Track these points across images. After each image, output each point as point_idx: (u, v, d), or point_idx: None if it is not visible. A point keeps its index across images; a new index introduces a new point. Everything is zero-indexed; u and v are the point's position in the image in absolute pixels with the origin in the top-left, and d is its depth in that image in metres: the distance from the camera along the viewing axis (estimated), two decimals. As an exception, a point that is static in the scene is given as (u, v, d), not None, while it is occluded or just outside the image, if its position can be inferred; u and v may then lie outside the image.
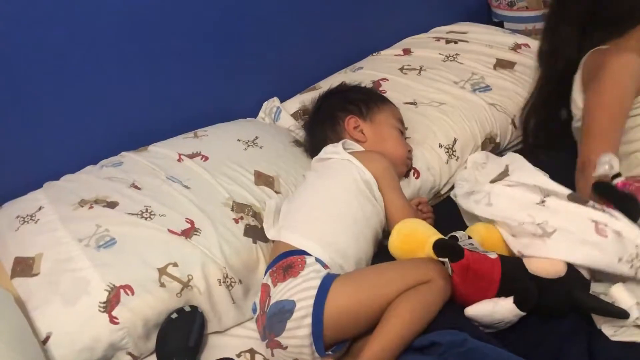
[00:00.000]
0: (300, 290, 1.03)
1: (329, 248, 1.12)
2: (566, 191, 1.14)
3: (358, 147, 1.32)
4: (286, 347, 1.03)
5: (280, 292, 1.05)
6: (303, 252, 1.11)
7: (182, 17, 1.47)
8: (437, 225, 1.22)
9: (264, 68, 1.67)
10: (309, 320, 1.01)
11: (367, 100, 1.38)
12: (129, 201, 1.24)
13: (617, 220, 1.05)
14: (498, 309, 1.00)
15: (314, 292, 1.02)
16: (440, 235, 1.08)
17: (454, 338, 0.91)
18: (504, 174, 1.24)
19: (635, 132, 1.26)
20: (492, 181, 1.23)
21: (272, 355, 1.06)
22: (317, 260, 1.09)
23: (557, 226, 1.08)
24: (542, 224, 1.09)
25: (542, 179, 1.18)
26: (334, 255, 1.12)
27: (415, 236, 1.10)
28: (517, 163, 1.27)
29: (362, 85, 1.52)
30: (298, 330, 1.01)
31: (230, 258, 1.18)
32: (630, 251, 1.03)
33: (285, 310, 1.02)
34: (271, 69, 1.69)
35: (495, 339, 0.99)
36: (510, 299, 1.00)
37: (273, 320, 1.04)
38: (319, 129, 1.40)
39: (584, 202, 1.10)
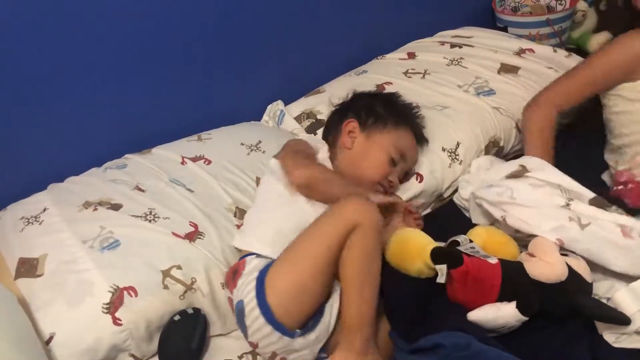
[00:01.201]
0: (244, 288, 1.07)
1: (274, 245, 1.12)
2: (589, 194, 1.15)
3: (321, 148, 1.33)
4: (257, 344, 1.07)
5: (235, 297, 1.09)
6: (250, 254, 1.13)
7: (185, 19, 1.47)
8: (439, 228, 1.23)
9: (268, 71, 1.68)
10: (257, 311, 1.04)
11: (380, 116, 1.34)
12: (133, 203, 1.25)
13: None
14: (501, 314, 1.01)
15: (253, 284, 1.06)
16: (436, 244, 1.09)
17: (457, 341, 0.92)
18: (523, 171, 1.23)
19: (622, 127, 1.33)
20: (508, 177, 1.22)
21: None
22: (262, 257, 1.11)
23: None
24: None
25: (565, 178, 1.18)
26: (277, 246, 1.11)
27: (412, 244, 1.11)
28: (536, 163, 1.26)
29: (399, 99, 1.45)
30: (255, 324, 1.05)
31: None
32: None
33: (240, 310, 1.07)
34: (275, 71, 1.69)
35: (498, 343, 0.99)
36: (513, 304, 1.00)
37: (239, 325, 1.10)
38: (330, 116, 1.44)
39: (607, 206, 1.12)
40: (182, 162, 1.38)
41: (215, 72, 1.58)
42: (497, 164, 1.37)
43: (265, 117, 1.69)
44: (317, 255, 1.04)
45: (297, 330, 1.04)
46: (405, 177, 1.38)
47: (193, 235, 1.19)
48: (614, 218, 1.12)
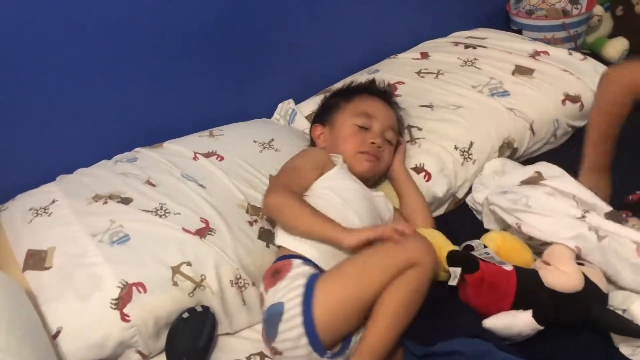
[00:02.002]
0: (287, 291, 1.04)
1: (321, 248, 1.10)
2: (606, 207, 1.14)
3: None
4: (282, 353, 1.03)
5: (271, 297, 1.06)
6: (295, 256, 1.11)
7: (198, 14, 1.46)
8: (454, 232, 1.22)
9: (280, 69, 1.67)
10: (299, 320, 1.00)
11: (331, 105, 1.40)
12: (143, 198, 1.24)
13: None
14: (516, 322, 0.99)
15: (301, 290, 1.02)
16: (453, 247, 1.07)
17: (478, 348, 0.90)
18: (538, 178, 1.22)
19: None
20: (523, 183, 1.21)
21: None
22: (309, 262, 1.09)
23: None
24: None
25: (582, 190, 1.17)
26: (328, 256, 1.10)
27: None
28: (552, 171, 1.25)
29: (350, 84, 1.51)
30: (290, 332, 1.01)
31: (243, 260, 1.17)
32: None
33: (276, 313, 1.03)
34: (287, 70, 1.68)
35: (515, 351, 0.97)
36: (529, 313, 0.99)
37: (267, 326, 1.05)
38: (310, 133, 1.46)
39: (623, 220, 1.11)
40: (194, 158, 1.37)
41: (227, 68, 1.57)
42: (510, 167, 1.35)
43: (276, 115, 1.68)
44: (370, 284, 1.01)
45: (328, 351, 1.02)
46: (393, 137, 1.37)
47: (204, 231, 1.18)
48: (629, 234, 1.10)
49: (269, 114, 1.68)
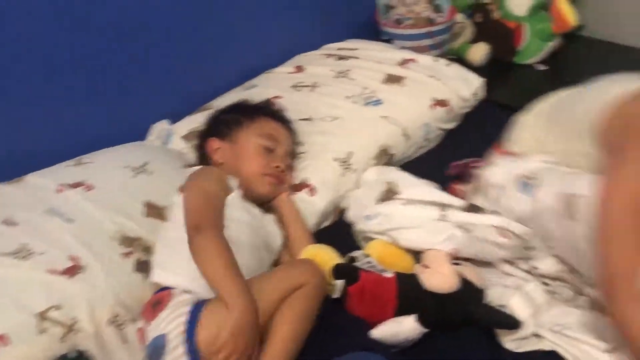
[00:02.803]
0: (169, 321, 1.00)
1: (200, 280, 1.05)
2: (461, 202, 1.19)
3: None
4: None
5: (153, 330, 1.02)
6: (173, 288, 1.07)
7: (62, 34, 1.38)
8: (339, 243, 1.23)
9: (153, 89, 1.60)
10: (181, 349, 0.97)
11: (232, 121, 1.37)
12: (2, 239, 1.13)
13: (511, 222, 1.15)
14: (402, 328, 1.01)
15: (184, 318, 0.99)
16: (339, 260, 1.08)
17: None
18: (391, 192, 1.26)
19: None
20: (381, 200, 1.24)
21: None
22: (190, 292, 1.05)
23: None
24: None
25: (435, 192, 1.22)
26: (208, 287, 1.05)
27: (317, 261, 1.10)
28: (403, 180, 1.30)
29: (245, 101, 1.49)
30: None
31: (120, 296, 1.10)
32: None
33: (158, 347, 0.99)
34: (160, 90, 1.61)
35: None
36: (412, 317, 1.01)
37: None
38: (195, 151, 1.42)
39: (481, 210, 1.17)
40: (60, 190, 1.27)
41: (95, 91, 1.49)
42: (381, 175, 1.38)
43: (150, 137, 1.61)
44: (260, 307, 1.00)
45: None
46: (292, 160, 1.40)
47: (73, 270, 1.09)
48: (489, 220, 1.16)
49: (143, 137, 1.61)
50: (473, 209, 1.20)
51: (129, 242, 1.19)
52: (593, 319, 1.03)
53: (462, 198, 1.27)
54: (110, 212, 1.22)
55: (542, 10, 2.10)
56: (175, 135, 1.55)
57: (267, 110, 1.43)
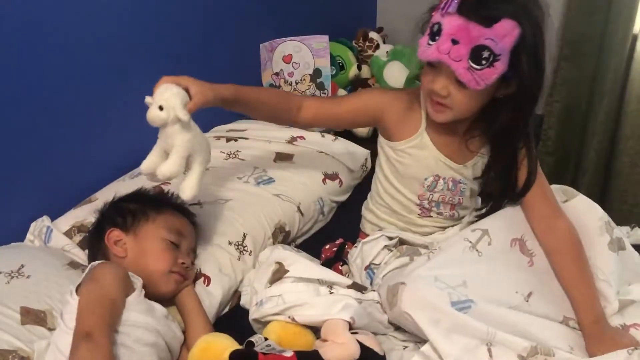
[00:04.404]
0: None
1: None
2: (347, 281, 1.23)
3: None
4: None
5: None
6: None
7: None
8: (239, 328, 1.21)
9: (29, 185, 1.50)
10: None
11: (137, 211, 1.29)
12: None
13: None
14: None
15: None
16: (237, 346, 1.04)
17: None
18: (281, 272, 1.26)
19: None
20: (273, 281, 1.24)
21: None
22: None
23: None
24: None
25: (321, 270, 1.25)
26: None
27: (212, 351, 1.06)
28: (292, 258, 1.30)
29: (148, 190, 1.44)
30: None
31: None
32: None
33: None
34: (38, 185, 1.52)
35: None
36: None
37: None
38: (89, 244, 1.33)
39: (364, 289, 1.22)
40: None
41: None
42: (272, 255, 1.37)
43: (29, 236, 1.50)
44: None
45: None
46: (194, 257, 1.36)
47: None
48: (372, 296, 1.23)
49: (22, 237, 1.50)
50: (357, 287, 1.23)
51: (4, 356, 1.07)
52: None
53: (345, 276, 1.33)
54: (-20, 325, 1.11)
55: (417, 81, 2.25)
56: (55, 232, 1.46)
57: (172, 203, 1.37)
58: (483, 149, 1.34)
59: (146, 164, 1.18)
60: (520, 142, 1.28)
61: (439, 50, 1.11)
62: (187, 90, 1.17)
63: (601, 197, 2.43)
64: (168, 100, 1.12)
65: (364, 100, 1.38)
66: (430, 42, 1.13)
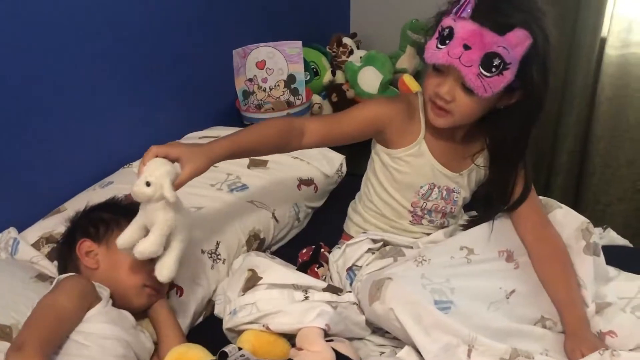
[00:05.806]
0: None
1: None
2: (322, 284, 1.22)
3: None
4: None
5: None
6: None
7: None
8: (213, 339, 1.19)
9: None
10: None
11: (110, 221, 1.25)
12: None
13: None
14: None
15: None
16: (210, 356, 1.01)
17: None
18: (254, 279, 1.24)
19: None
20: (246, 288, 1.22)
21: None
22: None
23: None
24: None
25: (295, 275, 1.23)
26: None
27: None
28: (265, 264, 1.29)
29: (121, 200, 1.39)
30: None
31: None
32: None
33: None
34: (3, 195, 1.48)
35: None
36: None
37: None
38: (58, 255, 1.29)
39: (339, 291, 1.21)
40: None
41: None
42: (245, 262, 1.36)
43: (-5, 248, 1.45)
44: None
45: None
46: None
47: None
48: (348, 298, 1.23)
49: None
50: (332, 289, 1.22)
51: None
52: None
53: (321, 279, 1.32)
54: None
55: (391, 86, 2.26)
56: (22, 243, 1.41)
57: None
58: (480, 159, 1.35)
59: (123, 239, 1.10)
60: (524, 154, 1.29)
61: (450, 54, 1.09)
62: (178, 160, 1.12)
63: (575, 198, 2.46)
64: (158, 178, 1.06)
65: (367, 115, 1.33)
66: (440, 46, 1.11)
